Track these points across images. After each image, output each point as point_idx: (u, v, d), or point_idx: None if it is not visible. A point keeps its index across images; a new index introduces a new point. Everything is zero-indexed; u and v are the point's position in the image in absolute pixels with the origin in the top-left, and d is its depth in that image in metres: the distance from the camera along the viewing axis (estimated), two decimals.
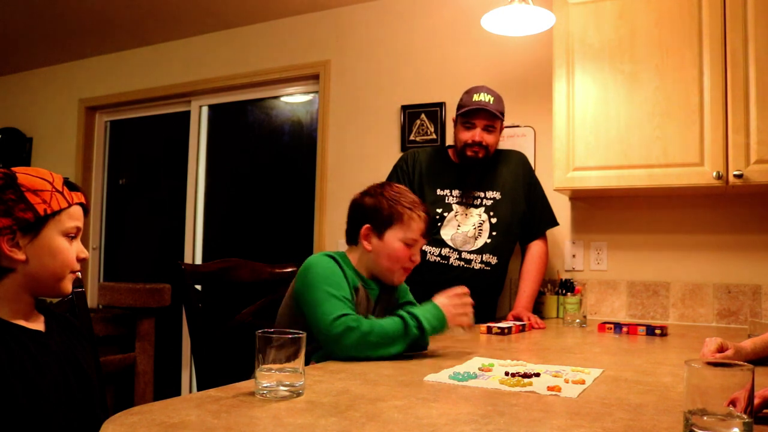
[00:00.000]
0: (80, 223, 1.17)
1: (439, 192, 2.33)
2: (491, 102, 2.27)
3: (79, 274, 1.20)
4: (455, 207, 2.31)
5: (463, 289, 1.50)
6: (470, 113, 2.26)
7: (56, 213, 1.12)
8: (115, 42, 3.91)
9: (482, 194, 2.35)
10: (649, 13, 2.27)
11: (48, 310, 1.22)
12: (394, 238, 1.55)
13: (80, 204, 1.18)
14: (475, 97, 2.27)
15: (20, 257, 1.08)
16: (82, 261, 1.18)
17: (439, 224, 2.29)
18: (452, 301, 1.48)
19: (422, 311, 1.44)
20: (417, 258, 1.60)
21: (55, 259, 1.12)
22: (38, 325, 1.15)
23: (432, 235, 2.29)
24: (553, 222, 2.49)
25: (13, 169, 1.13)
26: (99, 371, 1.28)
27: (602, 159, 2.31)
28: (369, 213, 1.58)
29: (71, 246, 1.15)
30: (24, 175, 1.11)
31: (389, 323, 1.41)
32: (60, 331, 1.20)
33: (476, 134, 2.27)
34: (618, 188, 2.33)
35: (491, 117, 2.27)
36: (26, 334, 1.10)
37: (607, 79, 2.32)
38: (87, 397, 1.15)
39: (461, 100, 2.34)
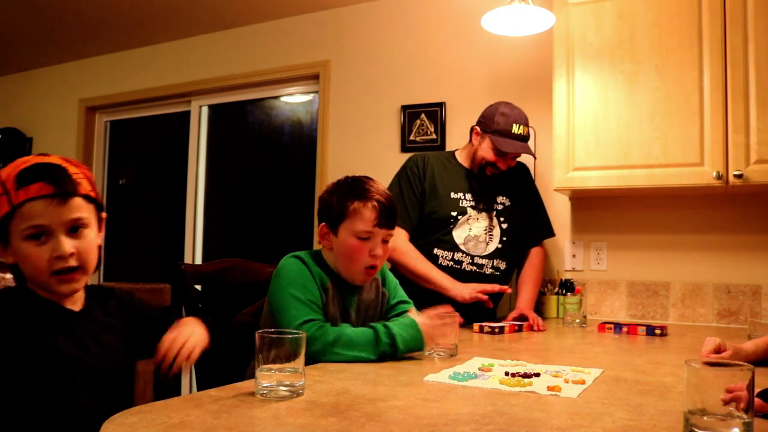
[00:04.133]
0: (41, 220, 1.02)
1: (452, 195, 2.32)
2: (527, 134, 2.28)
3: (74, 265, 1.06)
4: (469, 210, 2.31)
5: (448, 309, 1.44)
6: (508, 147, 2.24)
7: (8, 219, 1.02)
8: (115, 42, 3.91)
9: (493, 199, 2.35)
10: (648, 13, 2.27)
11: (95, 289, 1.19)
12: (346, 233, 1.47)
13: (40, 197, 1.02)
14: (515, 129, 2.24)
15: (9, 261, 1.06)
16: (63, 258, 1.04)
17: (451, 226, 2.29)
18: (433, 322, 1.41)
19: (399, 328, 1.38)
20: (378, 251, 1.48)
21: (26, 266, 1.05)
22: (76, 304, 1.12)
23: (442, 235, 2.29)
24: (551, 233, 2.51)
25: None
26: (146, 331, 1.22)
27: (602, 159, 2.31)
28: (323, 210, 1.53)
29: (41, 248, 1.03)
30: None
31: (359, 334, 1.36)
32: (98, 310, 1.16)
33: (505, 164, 2.29)
34: (618, 188, 2.33)
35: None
36: (56, 312, 1.07)
37: (607, 79, 2.32)
38: (107, 376, 1.11)
39: (496, 119, 2.26)
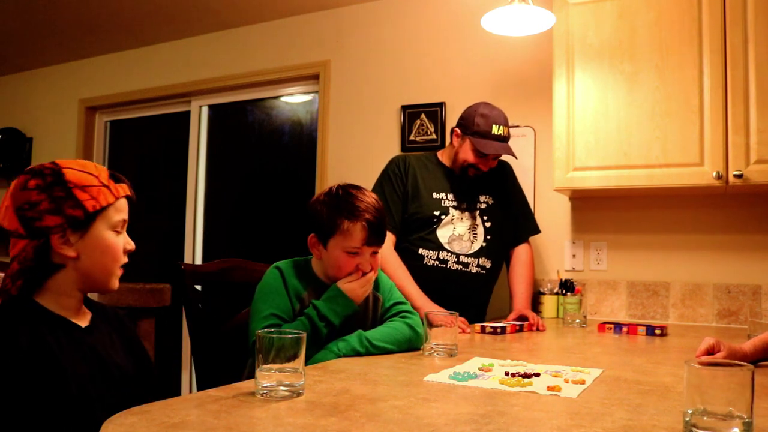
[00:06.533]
0: (126, 216, 1.18)
1: (435, 195, 2.32)
2: (507, 135, 2.28)
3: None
4: (451, 210, 2.30)
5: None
6: (489, 149, 2.24)
7: (104, 208, 1.12)
8: (115, 42, 3.91)
9: (475, 198, 2.35)
10: (648, 13, 2.27)
11: (98, 307, 1.24)
12: (335, 247, 1.49)
13: (126, 196, 1.17)
14: (495, 130, 2.23)
15: (71, 254, 1.10)
16: (129, 252, 1.19)
17: (434, 226, 2.29)
18: (351, 280, 1.50)
19: (325, 305, 1.46)
20: (366, 267, 1.52)
21: (106, 254, 1.14)
22: (83, 320, 1.16)
23: (426, 235, 2.29)
24: (536, 229, 2.50)
25: (57, 162, 1.12)
26: (144, 367, 1.26)
27: (602, 159, 2.31)
28: (313, 221, 1.53)
29: (118, 239, 1.16)
30: (70, 170, 1.11)
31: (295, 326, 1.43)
32: (104, 327, 1.20)
33: (487, 165, 2.29)
34: (618, 188, 2.33)
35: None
36: (64, 327, 1.10)
37: (607, 79, 2.32)
38: (117, 393, 1.11)
39: (476, 120, 2.25)
